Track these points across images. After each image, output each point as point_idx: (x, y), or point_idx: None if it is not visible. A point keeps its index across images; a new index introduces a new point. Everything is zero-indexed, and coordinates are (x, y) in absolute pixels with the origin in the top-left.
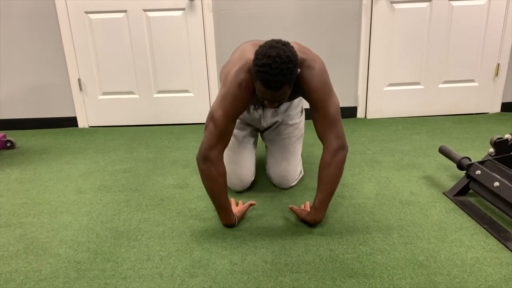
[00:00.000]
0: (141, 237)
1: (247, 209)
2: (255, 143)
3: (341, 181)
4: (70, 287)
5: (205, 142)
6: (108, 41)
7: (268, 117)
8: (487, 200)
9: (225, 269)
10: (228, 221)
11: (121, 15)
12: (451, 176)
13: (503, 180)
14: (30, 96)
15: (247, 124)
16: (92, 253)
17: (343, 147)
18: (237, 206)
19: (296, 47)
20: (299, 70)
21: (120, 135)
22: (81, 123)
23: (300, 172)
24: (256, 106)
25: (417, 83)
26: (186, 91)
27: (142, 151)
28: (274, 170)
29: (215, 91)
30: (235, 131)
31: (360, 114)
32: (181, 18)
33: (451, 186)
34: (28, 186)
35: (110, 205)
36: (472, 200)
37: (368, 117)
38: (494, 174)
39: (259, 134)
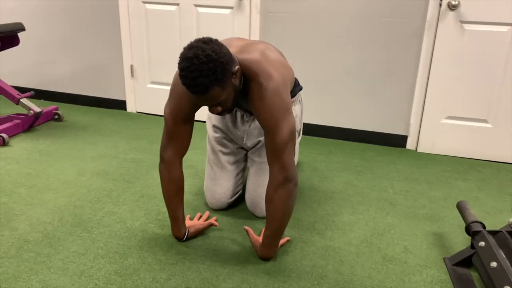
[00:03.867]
0: (95, 230)
1: (205, 227)
2: (239, 163)
3: (333, 217)
4: None
5: (161, 141)
6: (161, 32)
7: (253, 136)
8: (483, 281)
9: (143, 284)
10: (175, 233)
11: (174, 7)
12: (469, 240)
13: (504, 261)
14: (89, 75)
15: (231, 140)
16: (44, 235)
17: (289, 180)
18: (198, 220)
19: (255, 57)
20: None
21: (158, 124)
22: (130, 108)
23: None
24: (244, 118)
25: (484, 121)
26: None
27: None
28: (249, 195)
29: None
30: (217, 146)
31: (410, 145)
32: (229, 17)
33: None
34: (44, 159)
35: (94, 191)
36: (475, 275)
37: (419, 150)
38: (498, 251)
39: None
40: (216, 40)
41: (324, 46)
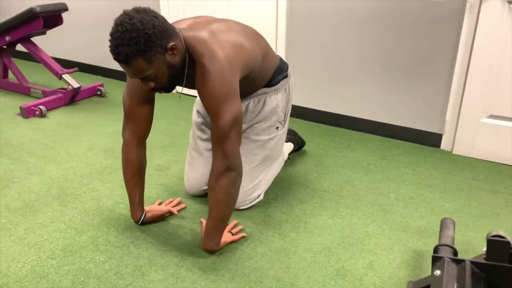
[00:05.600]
0: (70, 205)
1: (163, 214)
2: None
3: (309, 218)
4: None
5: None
6: (195, 8)
7: None
8: None
9: (78, 263)
10: (132, 216)
11: None
12: None
13: None
14: None
15: (209, 127)
16: (25, 204)
17: (231, 169)
18: (166, 206)
19: (201, 35)
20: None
21: (192, 105)
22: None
23: (258, 197)
24: None
25: None
26: None
27: (184, 126)
28: None
29: None
30: (196, 132)
31: (445, 145)
32: None
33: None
34: (67, 131)
35: (91, 166)
36: None
37: (455, 152)
38: (451, 285)
39: None
40: (151, 11)
41: (351, 29)
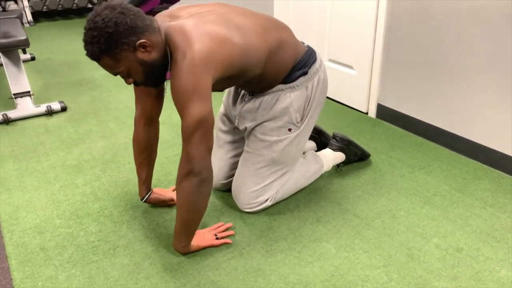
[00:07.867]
0: (108, 172)
1: (165, 200)
2: (237, 143)
3: (312, 242)
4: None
5: None
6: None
7: (246, 120)
8: None
9: (65, 233)
10: (138, 193)
11: None
12: None
13: None
14: None
15: (229, 119)
16: (78, 164)
17: (193, 173)
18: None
19: (181, 26)
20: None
21: None
22: None
23: (266, 201)
24: (244, 98)
25: None
26: (350, 67)
27: None
28: (233, 183)
29: (378, 72)
30: (218, 123)
31: None
32: None
33: None
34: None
35: (160, 138)
36: None
37: None
38: None
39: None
40: (119, 7)
41: (460, 29)
